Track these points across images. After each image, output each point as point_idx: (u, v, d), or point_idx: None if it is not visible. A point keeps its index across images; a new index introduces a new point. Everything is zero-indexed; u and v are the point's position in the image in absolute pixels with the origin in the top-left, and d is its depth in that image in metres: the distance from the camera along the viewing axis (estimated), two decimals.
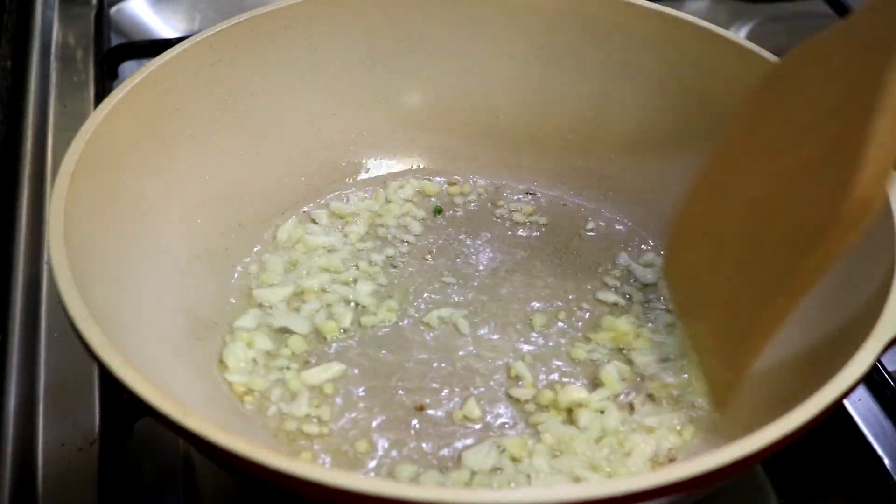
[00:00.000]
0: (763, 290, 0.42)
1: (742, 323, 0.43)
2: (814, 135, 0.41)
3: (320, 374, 0.50)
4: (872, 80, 0.36)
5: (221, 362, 0.50)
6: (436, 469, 0.46)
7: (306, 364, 0.50)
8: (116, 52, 0.75)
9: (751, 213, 0.45)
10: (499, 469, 0.46)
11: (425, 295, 0.55)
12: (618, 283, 0.56)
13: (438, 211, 0.61)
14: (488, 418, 0.48)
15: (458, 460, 0.46)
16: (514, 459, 0.46)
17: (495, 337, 0.53)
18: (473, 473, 0.45)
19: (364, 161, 0.62)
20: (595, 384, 0.50)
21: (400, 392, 0.49)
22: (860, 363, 0.37)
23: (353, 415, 0.48)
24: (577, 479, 0.45)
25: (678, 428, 0.48)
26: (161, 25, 0.84)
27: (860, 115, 0.36)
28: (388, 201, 0.61)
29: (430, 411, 0.48)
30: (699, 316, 0.49)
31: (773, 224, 0.43)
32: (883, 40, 0.36)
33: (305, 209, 0.60)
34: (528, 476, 0.45)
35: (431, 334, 0.53)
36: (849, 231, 0.37)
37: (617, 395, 0.49)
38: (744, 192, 0.45)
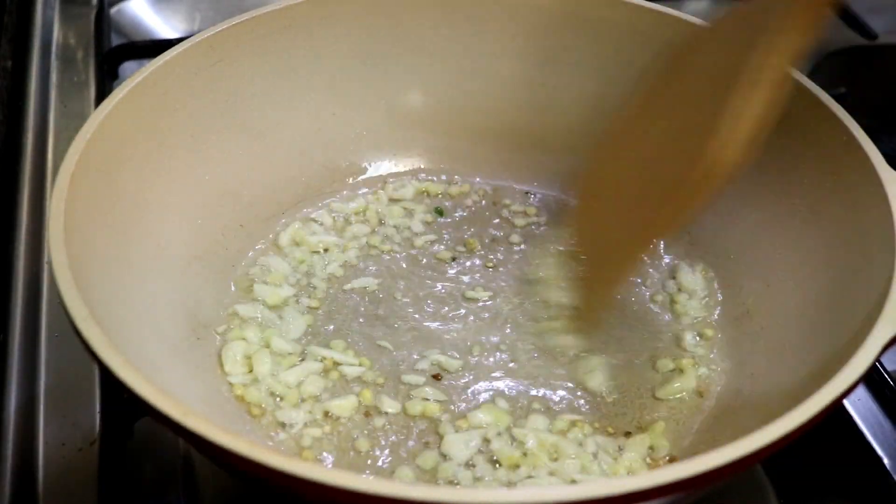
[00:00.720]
0: (634, 233, 0.48)
1: (615, 257, 0.50)
2: (696, 103, 0.45)
3: (320, 373, 0.50)
4: (739, 62, 0.40)
5: (221, 362, 0.50)
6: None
7: (306, 363, 0.50)
8: (116, 52, 0.75)
9: (639, 169, 0.49)
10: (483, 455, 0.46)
11: (426, 294, 0.55)
12: None
13: (439, 212, 0.61)
14: (490, 417, 0.48)
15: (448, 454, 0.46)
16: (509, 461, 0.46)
17: (495, 338, 0.53)
18: (462, 466, 0.46)
19: (365, 161, 0.62)
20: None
21: (402, 391, 0.49)
22: (860, 363, 0.37)
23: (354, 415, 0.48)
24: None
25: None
26: (161, 25, 0.84)
27: (727, 91, 0.40)
28: (388, 202, 0.61)
29: (433, 412, 0.48)
30: (590, 251, 0.54)
31: (653, 180, 0.47)
32: (754, 30, 0.41)
33: (306, 209, 0.60)
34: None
35: (430, 333, 0.53)
36: (696, 190, 0.41)
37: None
38: (637, 151, 0.50)
